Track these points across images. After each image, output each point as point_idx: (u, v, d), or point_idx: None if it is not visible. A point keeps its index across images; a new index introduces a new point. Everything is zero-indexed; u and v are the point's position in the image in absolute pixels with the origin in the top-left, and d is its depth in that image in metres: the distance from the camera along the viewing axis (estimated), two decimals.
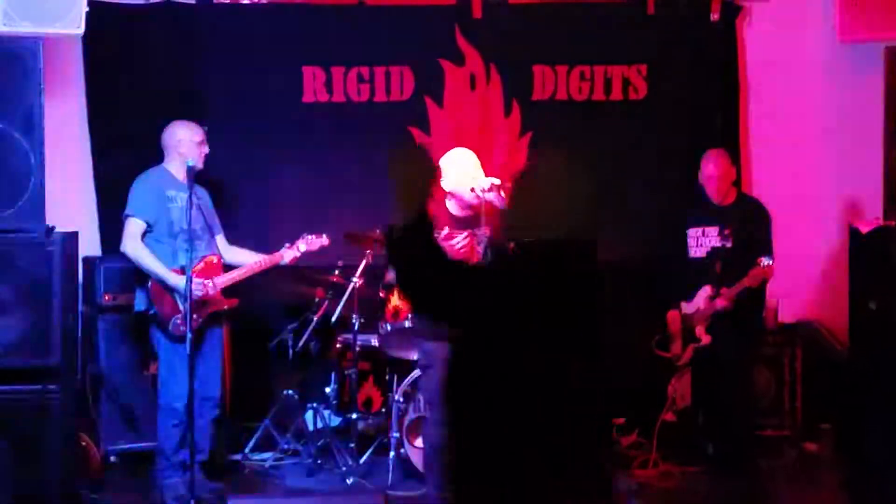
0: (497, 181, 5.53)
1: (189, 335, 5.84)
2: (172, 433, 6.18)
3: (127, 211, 6.20)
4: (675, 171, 7.79)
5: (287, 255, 6.49)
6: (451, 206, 5.72)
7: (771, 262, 6.29)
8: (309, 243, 6.54)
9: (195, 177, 6.13)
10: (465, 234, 5.63)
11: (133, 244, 6.15)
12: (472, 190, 5.56)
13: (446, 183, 5.70)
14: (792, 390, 7.46)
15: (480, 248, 5.56)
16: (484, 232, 5.57)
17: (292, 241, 6.52)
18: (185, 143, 6.28)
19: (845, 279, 6.87)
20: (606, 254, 7.67)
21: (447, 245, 5.59)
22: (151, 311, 6.18)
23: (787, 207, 7.05)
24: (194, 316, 6.01)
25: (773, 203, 6.77)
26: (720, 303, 6.46)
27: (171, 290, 6.12)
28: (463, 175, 5.66)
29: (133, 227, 6.17)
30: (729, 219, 6.57)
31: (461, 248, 5.61)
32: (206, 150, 6.36)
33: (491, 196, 5.50)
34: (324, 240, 6.60)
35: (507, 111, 7.86)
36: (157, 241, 6.20)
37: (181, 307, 6.09)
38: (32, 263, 5.44)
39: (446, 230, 5.65)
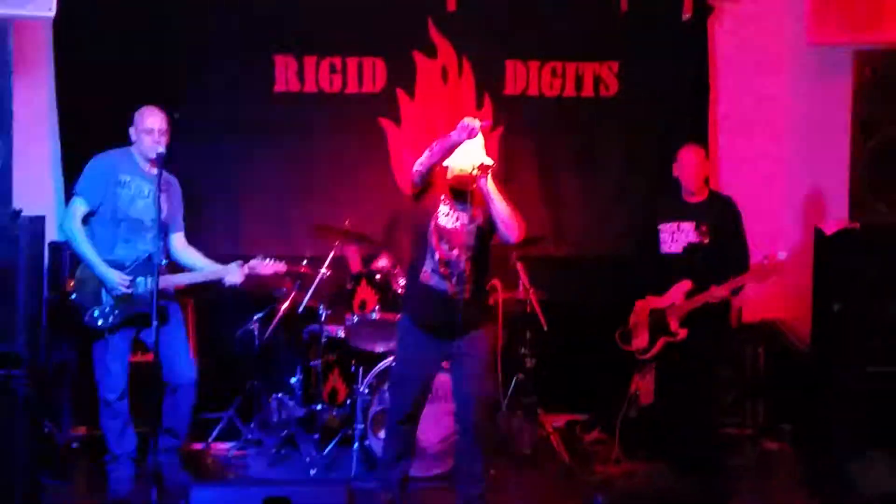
0: (489, 162, 5.41)
1: (114, 329, 5.82)
2: (110, 427, 6.13)
3: (74, 189, 6.10)
4: (644, 168, 7.85)
5: (231, 277, 6.16)
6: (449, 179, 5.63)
7: (783, 257, 6.27)
8: (261, 267, 6.20)
9: (166, 165, 5.98)
10: (466, 216, 5.54)
11: (70, 225, 6.02)
12: (470, 171, 5.41)
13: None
14: (754, 389, 7.51)
15: (471, 227, 5.53)
16: (475, 216, 5.54)
17: (247, 260, 6.22)
18: (144, 130, 6.09)
19: (809, 280, 6.92)
20: (574, 248, 7.85)
21: (441, 218, 5.55)
22: (71, 297, 6.06)
23: (754, 207, 7.08)
24: (116, 311, 5.99)
25: (740, 201, 6.80)
26: (719, 292, 6.44)
27: (97, 280, 6.00)
28: (463, 150, 5.49)
29: (74, 208, 6.05)
30: (704, 215, 6.59)
31: (452, 225, 5.57)
32: (163, 139, 6.08)
33: (476, 174, 5.40)
34: (279, 266, 6.25)
35: (479, 105, 7.87)
36: (99, 226, 6.07)
37: (102, 299, 6.01)
38: None
39: (445, 202, 5.59)
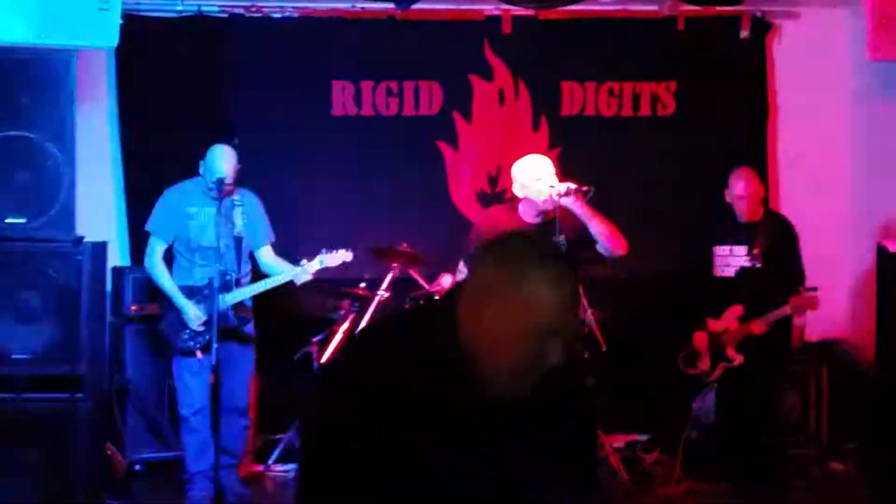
0: (573, 185, 5.44)
1: (208, 348, 5.88)
2: (187, 443, 6.27)
3: (147, 227, 6.33)
4: (702, 188, 7.77)
5: (301, 275, 6.31)
6: (524, 213, 5.63)
7: (816, 293, 6.25)
8: (329, 259, 6.35)
9: (242, 183, 6.30)
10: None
11: (149, 261, 6.30)
12: (550, 196, 5.46)
13: (518, 189, 5.60)
14: (818, 409, 7.41)
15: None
16: (562, 237, 5.49)
17: (312, 257, 6.38)
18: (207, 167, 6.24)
19: (873, 298, 6.84)
20: (632, 268, 7.82)
21: None
22: (160, 326, 6.29)
23: (815, 225, 7.03)
24: (203, 330, 6.14)
25: (800, 221, 6.75)
26: (757, 328, 6.39)
27: (176, 308, 6.21)
28: (536, 180, 5.56)
29: (152, 245, 6.31)
30: (757, 238, 6.52)
31: None
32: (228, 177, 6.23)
33: (567, 200, 5.41)
34: (347, 255, 6.39)
35: (536, 126, 7.88)
36: (179, 255, 6.31)
37: (189, 324, 6.18)
38: (62, 273, 5.50)
39: None
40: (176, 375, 6.32)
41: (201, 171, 6.28)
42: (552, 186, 5.44)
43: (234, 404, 6.31)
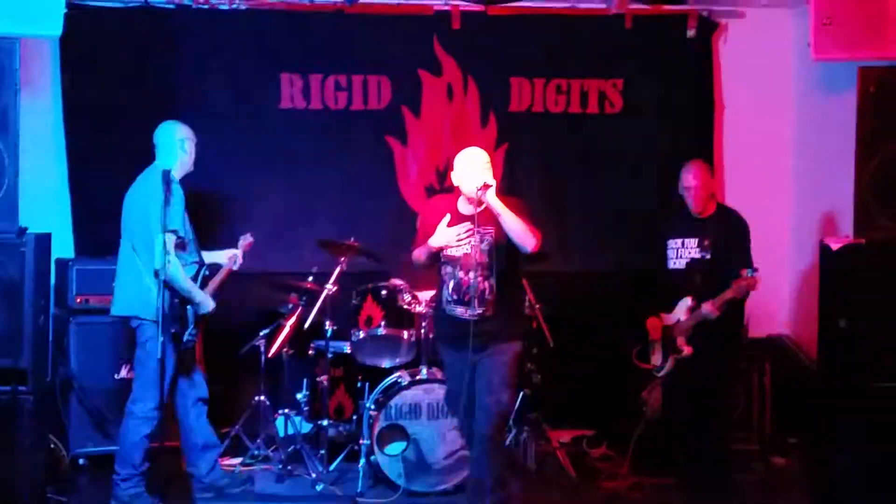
0: (489, 181, 5.50)
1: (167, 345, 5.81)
2: (144, 443, 6.12)
3: (172, 226, 5.88)
4: (650, 184, 7.86)
5: (231, 259, 6.58)
6: (461, 204, 5.71)
7: (754, 274, 6.30)
8: (243, 245, 6.68)
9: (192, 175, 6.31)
10: (469, 227, 5.60)
11: (172, 263, 5.89)
12: (475, 189, 5.51)
13: (454, 178, 5.71)
14: (761, 404, 7.49)
15: (484, 246, 5.60)
16: (489, 230, 5.60)
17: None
18: (188, 143, 6.27)
19: (815, 295, 6.91)
20: (580, 264, 7.86)
21: (447, 234, 5.63)
22: (173, 330, 5.98)
23: (759, 223, 7.07)
24: (195, 326, 6.17)
25: (745, 217, 6.81)
26: (707, 308, 6.42)
27: (181, 304, 6.07)
28: (463, 171, 5.64)
29: (170, 244, 5.92)
30: (708, 230, 6.58)
31: (460, 239, 5.62)
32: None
33: (482, 194, 5.50)
34: (247, 237, 6.70)
35: (484, 122, 7.90)
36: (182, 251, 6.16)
37: (188, 321, 6.14)
38: (4, 264, 5.42)
39: (447, 217, 5.67)
40: (154, 372, 5.81)
41: (167, 150, 6.23)
42: (475, 181, 5.54)
43: (204, 394, 6.47)
